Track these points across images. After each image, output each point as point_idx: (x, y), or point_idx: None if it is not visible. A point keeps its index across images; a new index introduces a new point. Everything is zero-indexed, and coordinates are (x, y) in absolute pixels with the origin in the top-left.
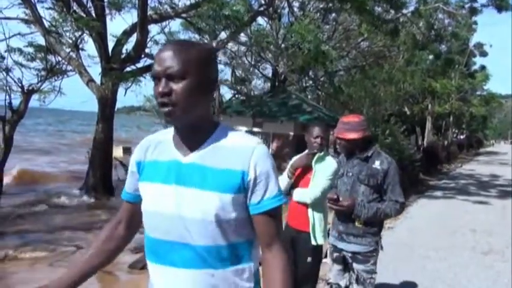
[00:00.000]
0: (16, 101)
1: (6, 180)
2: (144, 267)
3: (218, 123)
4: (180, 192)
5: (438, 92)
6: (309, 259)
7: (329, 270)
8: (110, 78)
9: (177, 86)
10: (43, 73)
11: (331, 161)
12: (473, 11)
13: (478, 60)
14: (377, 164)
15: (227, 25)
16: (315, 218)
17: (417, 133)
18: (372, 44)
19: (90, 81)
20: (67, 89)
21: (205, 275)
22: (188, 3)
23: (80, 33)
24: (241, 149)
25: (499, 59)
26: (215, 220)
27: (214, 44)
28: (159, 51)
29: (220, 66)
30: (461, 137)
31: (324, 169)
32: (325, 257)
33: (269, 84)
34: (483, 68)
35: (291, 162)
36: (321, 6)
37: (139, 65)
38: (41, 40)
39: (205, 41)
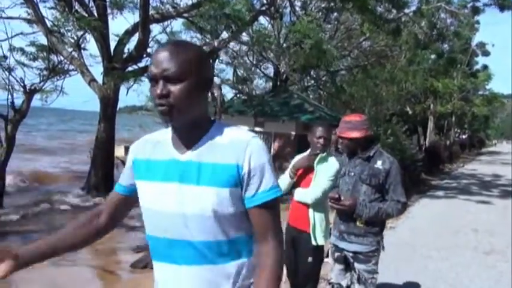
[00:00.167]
0: (18, 100)
1: (16, 180)
2: (145, 266)
3: (214, 121)
4: (179, 189)
5: (440, 91)
6: (310, 259)
7: (330, 270)
8: (112, 78)
9: (174, 88)
10: (45, 73)
11: (333, 162)
12: (476, 10)
13: (480, 60)
14: (379, 164)
15: (229, 25)
16: (315, 218)
17: (419, 133)
18: (374, 44)
19: (92, 80)
20: (69, 88)
21: (205, 271)
22: (190, 2)
23: (82, 32)
24: (236, 143)
25: (502, 58)
26: (213, 215)
27: (216, 44)
28: (156, 53)
29: (222, 66)
30: (463, 136)
31: (326, 170)
32: (327, 256)
33: (271, 84)
34: (485, 67)
35: (292, 163)
36: (323, 5)
37: (141, 64)
38: (43, 40)
39: (207, 40)
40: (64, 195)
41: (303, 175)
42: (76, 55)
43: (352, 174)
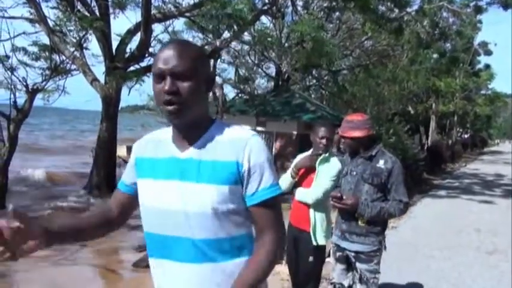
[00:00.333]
0: (21, 100)
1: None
2: (148, 265)
3: (214, 120)
4: (180, 187)
5: (442, 91)
6: (311, 259)
7: (332, 269)
8: (114, 78)
9: (184, 86)
10: (47, 72)
11: (335, 162)
12: (478, 9)
13: (483, 59)
14: (381, 163)
15: (230, 24)
16: (316, 218)
17: (421, 132)
18: (376, 43)
19: (94, 80)
20: (71, 88)
21: (206, 269)
22: (192, 2)
23: (84, 32)
24: (236, 140)
25: (504, 57)
26: (214, 212)
27: (217, 43)
28: (163, 50)
29: (224, 65)
30: (466, 136)
31: (328, 170)
32: (328, 256)
33: (272, 83)
34: (488, 66)
35: (294, 162)
36: (325, 4)
37: (143, 64)
38: (45, 39)
39: (209, 40)
40: (66, 194)
41: (305, 175)
42: (78, 55)
43: (354, 173)
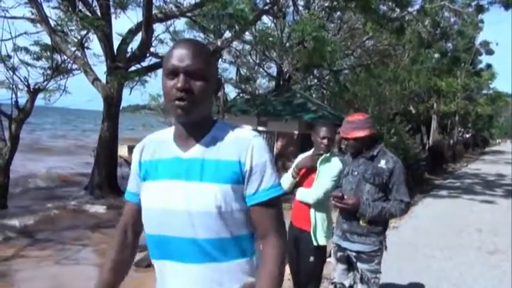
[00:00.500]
0: (22, 99)
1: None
2: (149, 265)
3: (216, 120)
4: (184, 187)
5: (444, 90)
6: (312, 259)
7: (333, 269)
8: (115, 77)
9: (196, 84)
10: (49, 72)
11: (336, 162)
12: (480, 9)
13: (484, 59)
14: (382, 163)
15: (232, 24)
16: (316, 218)
17: (422, 132)
18: (377, 43)
19: (95, 80)
20: (72, 87)
21: (209, 269)
22: (193, 2)
23: (85, 32)
24: (238, 140)
25: (506, 57)
26: (217, 212)
27: (219, 43)
28: (178, 47)
29: (225, 65)
30: (467, 136)
31: (329, 170)
32: (329, 256)
33: (274, 83)
34: (489, 66)
35: (295, 162)
36: (326, 4)
37: (145, 63)
38: (46, 39)
39: (210, 39)
40: (67, 194)
41: (306, 175)
42: (79, 54)
43: (356, 173)
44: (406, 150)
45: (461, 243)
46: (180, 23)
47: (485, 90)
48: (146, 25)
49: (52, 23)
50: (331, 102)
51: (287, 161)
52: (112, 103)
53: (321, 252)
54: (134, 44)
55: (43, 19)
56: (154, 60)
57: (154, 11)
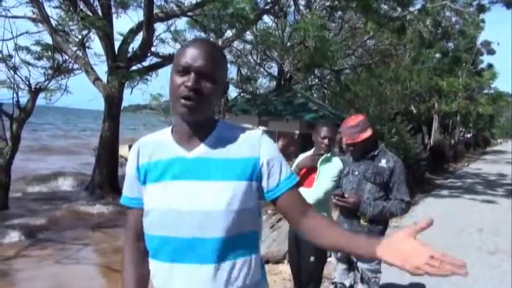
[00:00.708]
0: (23, 99)
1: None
2: None
3: (218, 120)
4: (190, 186)
5: (445, 90)
6: (312, 258)
7: (334, 269)
8: (116, 77)
9: (206, 85)
10: (50, 71)
11: (336, 162)
12: (481, 9)
13: (486, 59)
14: (383, 163)
15: (232, 23)
16: None
17: (423, 132)
18: (378, 42)
19: (96, 79)
20: (74, 87)
21: (217, 268)
22: (194, 1)
23: (86, 31)
24: (247, 138)
25: (507, 57)
26: (227, 210)
27: (220, 43)
28: (193, 46)
29: None
30: (468, 135)
31: (329, 170)
32: (330, 256)
33: (275, 83)
34: (490, 66)
35: (296, 162)
36: (327, 4)
37: (146, 63)
38: (48, 39)
39: (211, 39)
40: (69, 193)
41: (306, 175)
42: (80, 54)
43: (356, 173)
44: (407, 150)
45: (461, 243)
46: (181, 23)
47: (487, 90)
48: (147, 24)
49: (53, 22)
50: (332, 102)
51: (288, 160)
52: (113, 103)
53: (321, 252)
54: (135, 43)
55: (44, 19)
56: (155, 59)
57: (156, 11)
